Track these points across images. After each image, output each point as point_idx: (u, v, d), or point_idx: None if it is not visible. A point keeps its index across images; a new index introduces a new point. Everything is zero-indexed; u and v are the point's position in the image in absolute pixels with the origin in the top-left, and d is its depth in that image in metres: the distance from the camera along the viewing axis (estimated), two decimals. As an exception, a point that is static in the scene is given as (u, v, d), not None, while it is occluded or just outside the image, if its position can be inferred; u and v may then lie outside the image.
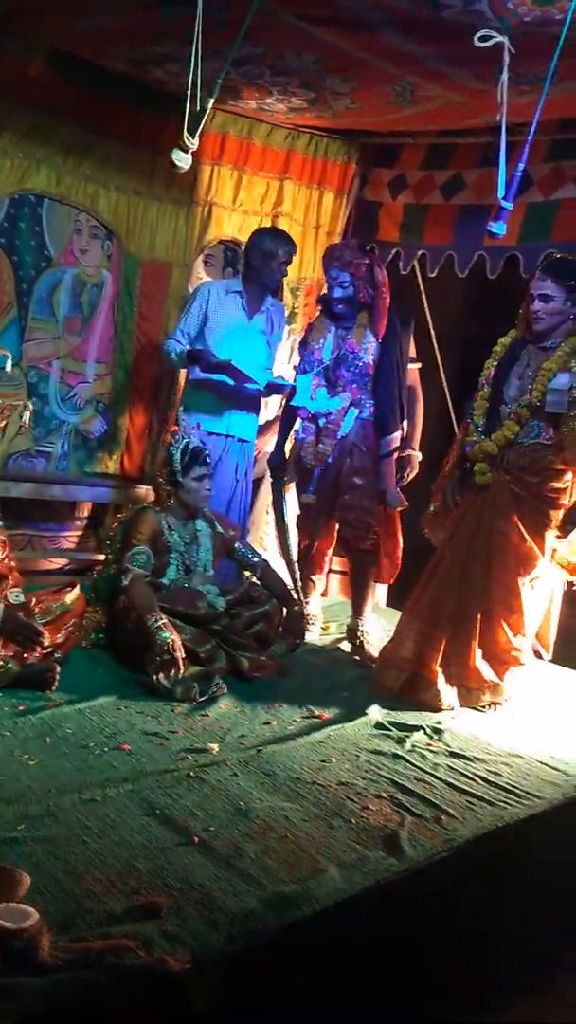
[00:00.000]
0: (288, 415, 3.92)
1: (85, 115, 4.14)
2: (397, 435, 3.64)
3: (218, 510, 3.72)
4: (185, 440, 3.38)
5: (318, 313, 3.91)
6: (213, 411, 3.93)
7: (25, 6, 3.40)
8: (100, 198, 4.33)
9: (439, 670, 3.15)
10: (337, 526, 3.81)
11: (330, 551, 3.93)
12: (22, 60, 3.84)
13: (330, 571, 4.17)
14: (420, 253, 4.58)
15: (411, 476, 3.81)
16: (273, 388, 3.90)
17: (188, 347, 3.90)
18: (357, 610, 3.82)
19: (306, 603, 3.89)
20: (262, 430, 4.40)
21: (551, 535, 3.20)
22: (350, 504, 3.70)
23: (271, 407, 4.47)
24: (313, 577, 3.93)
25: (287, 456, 3.94)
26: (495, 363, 3.26)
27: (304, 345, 3.84)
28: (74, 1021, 1.46)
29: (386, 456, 3.63)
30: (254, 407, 4.07)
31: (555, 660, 3.61)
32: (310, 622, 3.89)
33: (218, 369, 3.78)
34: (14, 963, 1.49)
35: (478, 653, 3.17)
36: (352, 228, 4.94)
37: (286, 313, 4.44)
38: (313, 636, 3.89)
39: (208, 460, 3.41)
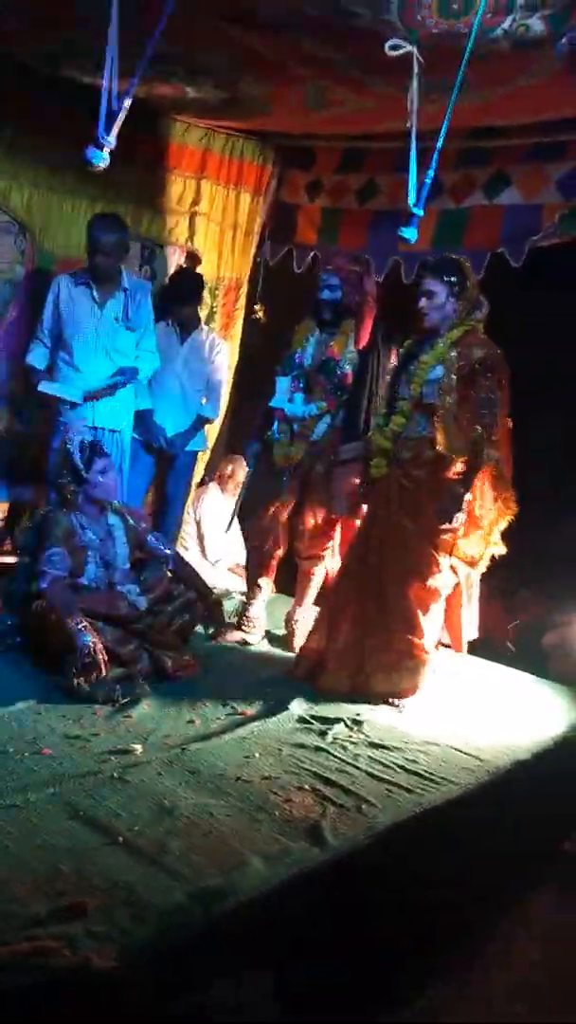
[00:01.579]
0: (265, 412, 3.90)
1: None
2: (357, 445, 3.63)
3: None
4: (79, 437, 3.35)
5: (307, 317, 3.90)
6: (76, 408, 3.83)
7: None
8: (12, 193, 4.24)
9: (336, 658, 3.26)
10: (294, 530, 3.82)
11: (280, 554, 3.91)
12: None
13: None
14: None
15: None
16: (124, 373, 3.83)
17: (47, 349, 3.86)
18: (297, 601, 3.89)
19: (250, 605, 3.88)
20: (185, 428, 4.37)
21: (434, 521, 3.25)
22: (313, 509, 3.73)
23: (192, 406, 4.44)
24: (261, 580, 3.88)
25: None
26: (397, 365, 3.41)
27: (288, 347, 3.86)
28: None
29: (343, 463, 3.67)
30: (122, 397, 3.91)
31: (472, 651, 3.70)
32: (252, 625, 3.86)
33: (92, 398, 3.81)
34: None
35: (390, 642, 3.23)
36: (270, 230, 4.98)
37: (196, 314, 4.42)
38: (255, 640, 3.86)
39: (106, 451, 3.40)
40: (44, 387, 3.89)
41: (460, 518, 3.12)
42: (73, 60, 3.77)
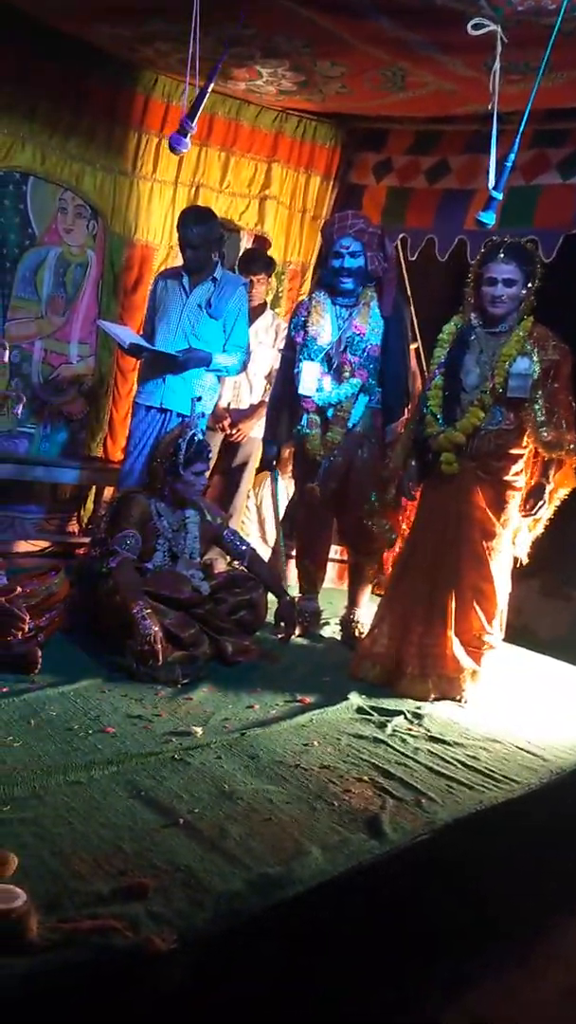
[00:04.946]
0: (279, 404, 3.75)
1: (69, 93, 4.09)
2: (403, 421, 3.52)
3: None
4: (193, 432, 3.33)
5: (311, 294, 3.70)
6: (149, 384, 3.85)
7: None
8: (85, 176, 4.29)
9: (416, 661, 3.18)
10: (341, 519, 3.70)
11: (331, 544, 3.85)
12: (5, 35, 3.77)
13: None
14: (401, 236, 4.58)
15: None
16: (192, 356, 3.72)
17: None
18: (353, 600, 3.78)
19: (309, 599, 3.81)
20: (246, 414, 4.39)
21: (512, 513, 3.20)
22: (361, 499, 3.55)
23: (255, 390, 4.45)
24: (313, 574, 3.80)
25: (282, 449, 3.81)
26: (444, 351, 3.23)
27: (302, 329, 3.58)
28: (62, 1000, 1.48)
29: (392, 444, 3.50)
30: (193, 381, 3.81)
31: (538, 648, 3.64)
32: (318, 620, 3.80)
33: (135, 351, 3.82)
34: (1, 943, 1.50)
35: (454, 641, 3.20)
36: (335, 211, 4.93)
37: (262, 294, 4.37)
38: (317, 632, 3.80)
39: (210, 456, 3.36)
40: (101, 322, 3.98)
41: (547, 511, 3.09)
42: (149, 45, 3.78)
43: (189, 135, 2.60)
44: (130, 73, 4.18)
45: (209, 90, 2.58)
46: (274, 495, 3.85)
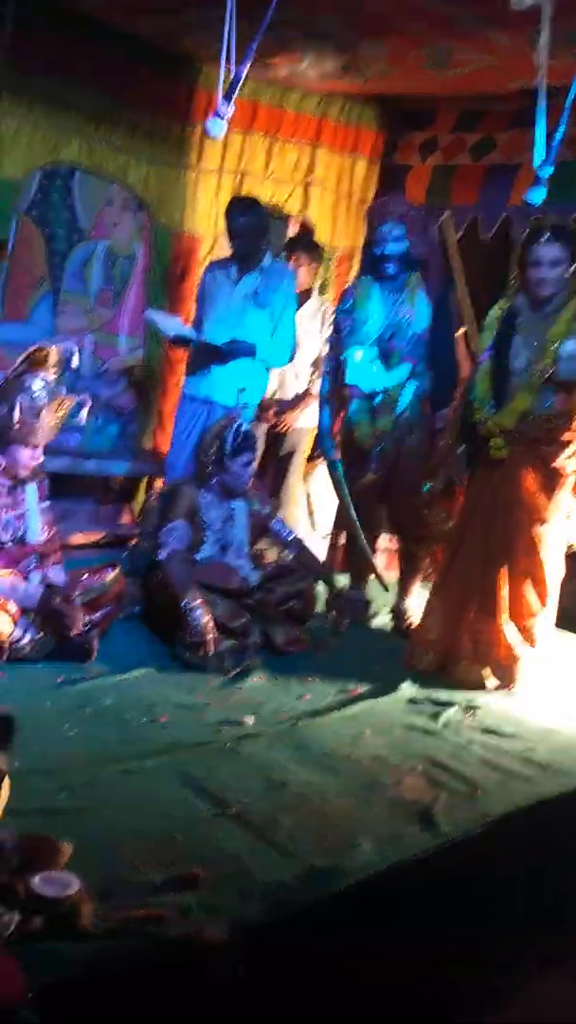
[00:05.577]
0: (331, 391, 3.68)
1: (113, 84, 4.10)
2: (453, 407, 3.42)
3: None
4: (239, 423, 3.33)
5: (357, 279, 3.67)
6: (195, 375, 3.85)
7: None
8: (131, 169, 4.31)
9: (469, 648, 3.14)
10: (391, 507, 3.66)
11: (381, 533, 3.81)
12: (49, 27, 3.79)
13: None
14: (447, 214, 4.49)
15: None
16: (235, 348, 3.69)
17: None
18: (404, 590, 3.75)
19: (358, 588, 3.79)
20: (291, 404, 4.37)
21: (563, 497, 3.13)
22: (411, 486, 3.50)
23: (301, 379, 4.42)
24: (364, 564, 3.76)
25: (335, 436, 3.74)
26: (492, 335, 3.17)
27: (349, 315, 3.53)
28: (115, 987, 1.50)
29: (442, 431, 3.45)
30: (239, 372, 3.76)
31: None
32: (368, 609, 3.77)
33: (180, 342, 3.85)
34: (56, 930, 1.53)
35: (507, 627, 3.15)
36: (379, 192, 4.86)
37: (308, 280, 4.33)
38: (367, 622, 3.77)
39: (256, 447, 3.35)
40: (148, 312, 3.99)
41: None
42: (190, 35, 3.76)
43: (226, 118, 2.58)
44: (174, 63, 4.16)
45: (245, 71, 2.55)
46: (339, 486, 3.73)
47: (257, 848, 1.95)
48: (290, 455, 4.46)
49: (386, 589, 3.59)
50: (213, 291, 3.84)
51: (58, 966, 1.47)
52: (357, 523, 3.64)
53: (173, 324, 3.91)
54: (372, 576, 3.83)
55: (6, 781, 1.66)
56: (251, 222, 3.69)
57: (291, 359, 3.96)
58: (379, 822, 2.12)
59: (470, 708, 2.93)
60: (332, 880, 1.85)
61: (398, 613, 3.77)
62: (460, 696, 3.02)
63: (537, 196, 2.63)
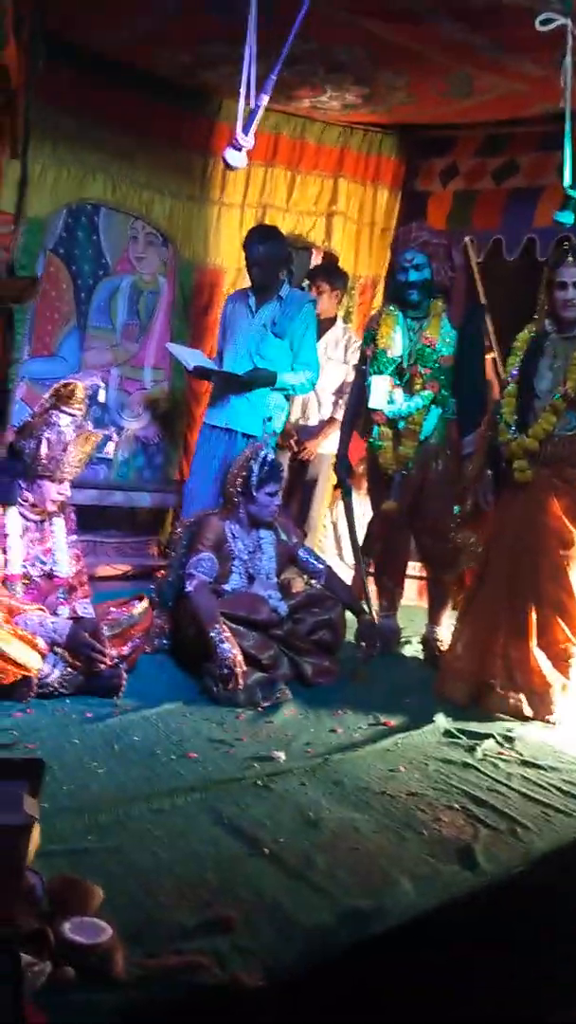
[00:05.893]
0: (353, 419, 3.72)
1: (135, 121, 4.18)
2: (481, 432, 3.41)
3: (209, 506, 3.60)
4: (266, 453, 3.33)
5: (382, 307, 3.70)
6: (215, 405, 3.87)
7: (72, 17, 3.43)
8: (155, 204, 4.37)
9: (503, 673, 3.08)
10: (418, 534, 3.64)
11: (408, 561, 3.78)
12: (70, 69, 3.87)
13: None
14: (468, 239, 4.49)
15: None
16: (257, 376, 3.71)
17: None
18: (434, 618, 3.70)
19: (388, 617, 3.74)
20: (314, 431, 4.36)
21: None
22: (437, 513, 3.49)
23: (324, 406, 4.41)
24: (395, 589, 3.75)
25: (352, 463, 3.77)
26: (518, 359, 3.17)
27: (372, 342, 3.58)
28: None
29: (469, 456, 3.44)
30: (259, 401, 3.80)
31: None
32: (398, 638, 3.74)
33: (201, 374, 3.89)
34: (89, 978, 1.48)
35: (538, 654, 3.08)
36: (401, 220, 4.88)
37: (330, 307, 4.32)
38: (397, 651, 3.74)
39: (283, 476, 3.34)
40: (169, 345, 4.04)
41: None
42: (210, 69, 3.82)
43: (244, 150, 2.60)
44: (194, 99, 4.23)
45: (263, 103, 2.57)
46: (348, 511, 3.78)
47: (292, 888, 1.88)
48: (314, 483, 4.44)
49: (368, 612, 3.52)
50: (233, 321, 3.87)
51: (90, 1016, 1.42)
52: (358, 550, 3.70)
53: (193, 355, 3.92)
54: (381, 601, 3.79)
55: (36, 827, 1.62)
56: (270, 251, 3.72)
57: (313, 386, 3.96)
58: (418, 861, 2.05)
59: (507, 739, 2.85)
60: (372, 922, 1.78)
61: (429, 641, 3.71)
62: (496, 727, 2.94)
63: (567, 217, 2.61)
